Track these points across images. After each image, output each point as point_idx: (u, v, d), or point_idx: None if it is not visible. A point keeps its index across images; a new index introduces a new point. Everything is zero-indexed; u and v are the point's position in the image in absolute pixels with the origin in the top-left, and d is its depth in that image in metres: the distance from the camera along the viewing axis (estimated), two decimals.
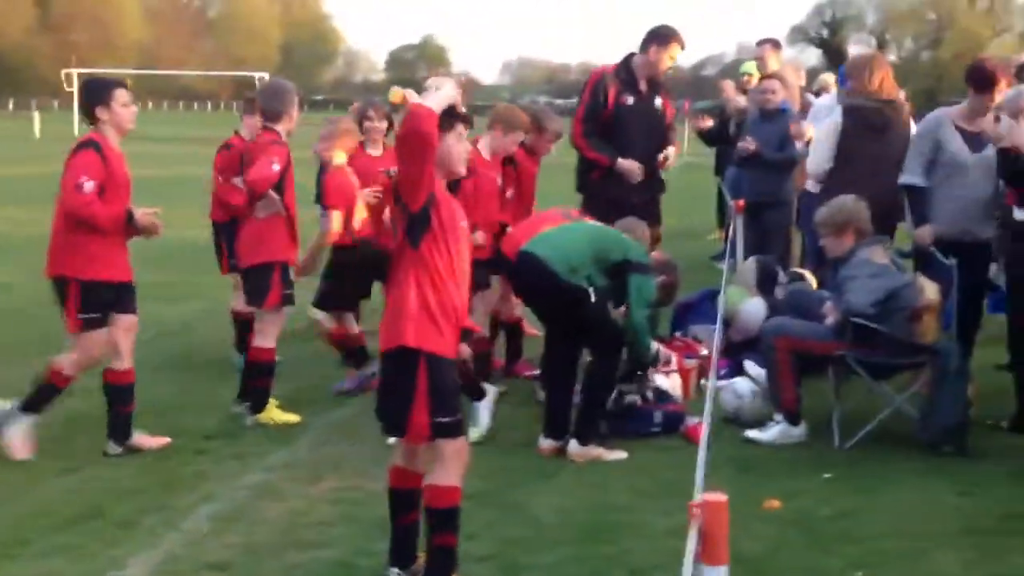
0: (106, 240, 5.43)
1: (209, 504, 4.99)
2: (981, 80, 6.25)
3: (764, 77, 8.98)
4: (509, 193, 6.83)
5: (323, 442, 5.93)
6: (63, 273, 5.45)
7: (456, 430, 4.01)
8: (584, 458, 5.63)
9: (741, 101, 10.25)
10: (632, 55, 7.56)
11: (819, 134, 7.29)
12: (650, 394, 6.17)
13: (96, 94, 5.54)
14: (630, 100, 7.44)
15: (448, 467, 4.00)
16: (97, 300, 5.46)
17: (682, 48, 7.52)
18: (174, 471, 5.40)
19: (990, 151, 6.15)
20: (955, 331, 6.10)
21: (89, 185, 5.30)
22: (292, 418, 6.21)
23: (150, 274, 10.93)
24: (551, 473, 5.45)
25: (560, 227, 5.82)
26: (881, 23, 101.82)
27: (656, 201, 7.72)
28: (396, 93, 5.13)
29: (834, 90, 7.97)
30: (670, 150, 7.64)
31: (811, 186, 7.61)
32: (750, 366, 6.47)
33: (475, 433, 5.67)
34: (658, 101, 7.58)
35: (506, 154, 6.72)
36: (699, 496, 2.66)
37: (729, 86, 11.23)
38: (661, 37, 7.44)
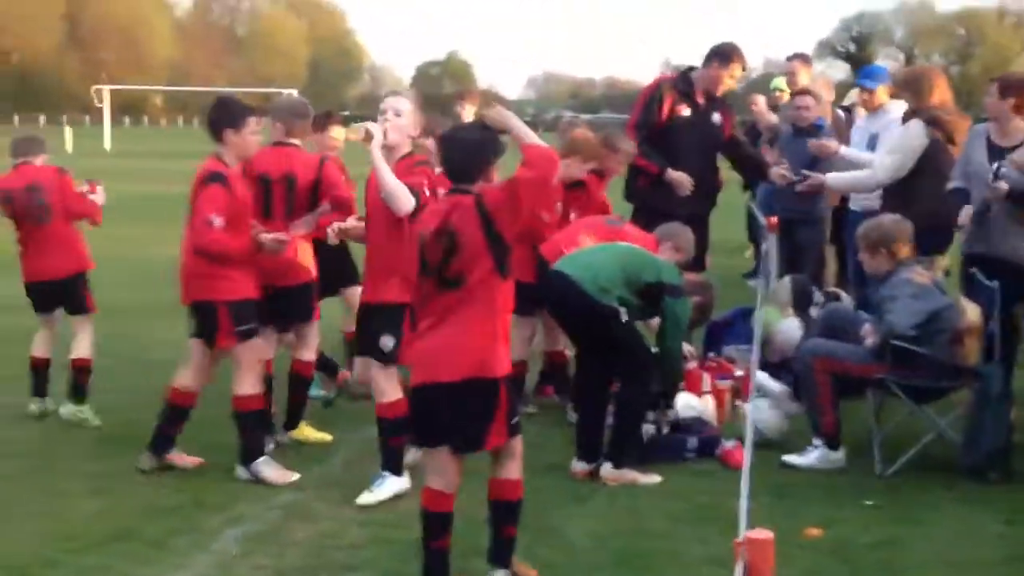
0: (240, 263, 5.51)
1: (240, 525, 4.94)
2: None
3: (797, 92, 8.88)
4: (572, 216, 6.74)
5: (356, 461, 5.86)
6: (209, 298, 5.47)
7: (520, 427, 4.23)
8: (618, 481, 5.54)
9: (772, 118, 10.15)
10: (692, 68, 7.53)
11: (894, 147, 6.94)
12: (666, 428, 6.02)
13: (231, 116, 5.54)
14: (686, 112, 7.40)
15: (518, 463, 4.23)
16: (247, 314, 5.53)
17: (743, 68, 7.52)
18: (206, 490, 5.35)
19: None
20: (997, 354, 5.97)
21: (218, 221, 5.32)
22: (325, 437, 6.16)
23: (175, 293, 10.99)
24: (584, 497, 5.37)
25: (594, 247, 5.79)
26: (909, 38, 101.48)
27: (704, 221, 7.58)
28: (355, 130, 5.17)
29: (892, 104, 7.71)
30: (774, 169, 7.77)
31: (854, 203, 7.52)
32: (762, 379, 6.33)
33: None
34: (716, 116, 7.53)
35: (573, 180, 6.66)
36: (743, 531, 2.58)
37: (761, 101, 11.13)
38: (723, 55, 7.42)
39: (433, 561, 4.16)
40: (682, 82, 7.49)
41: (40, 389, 6.73)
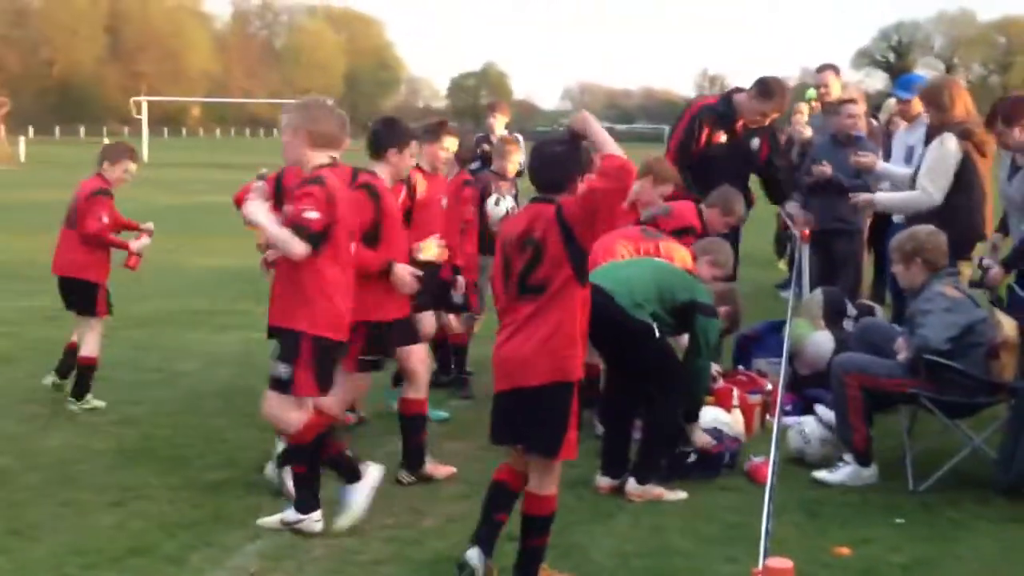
0: (381, 281, 5.31)
1: (259, 541, 4.87)
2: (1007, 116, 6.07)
3: (844, 102, 8.72)
4: None
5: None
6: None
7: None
8: (643, 498, 5.44)
9: (807, 132, 10.05)
10: (737, 90, 7.48)
11: (937, 168, 6.73)
12: (691, 453, 5.83)
13: (397, 136, 5.51)
14: (723, 138, 7.49)
15: (554, 478, 4.31)
16: (381, 342, 5.35)
17: (780, 113, 7.57)
18: (225, 505, 5.29)
19: (1016, 183, 6.04)
20: None
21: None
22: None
23: (206, 302, 11.04)
24: (608, 513, 5.27)
25: (630, 261, 5.76)
26: (949, 47, 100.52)
27: (736, 233, 7.53)
28: None
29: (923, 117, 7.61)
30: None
31: (897, 217, 7.39)
32: (822, 410, 6.18)
33: (346, 520, 5.04)
34: (755, 141, 7.61)
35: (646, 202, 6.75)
36: (762, 558, 2.49)
37: (804, 112, 11.08)
38: (766, 92, 7.42)
39: (489, 531, 4.38)
40: (723, 105, 7.52)
41: (61, 370, 7.27)
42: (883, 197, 7.29)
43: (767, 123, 7.67)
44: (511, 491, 4.41)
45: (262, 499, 5.39)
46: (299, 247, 4.68)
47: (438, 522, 5.12)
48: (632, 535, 4.97)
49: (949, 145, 6.68)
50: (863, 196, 7.42)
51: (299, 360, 4.78)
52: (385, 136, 5.52)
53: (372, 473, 5.11)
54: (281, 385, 4.86)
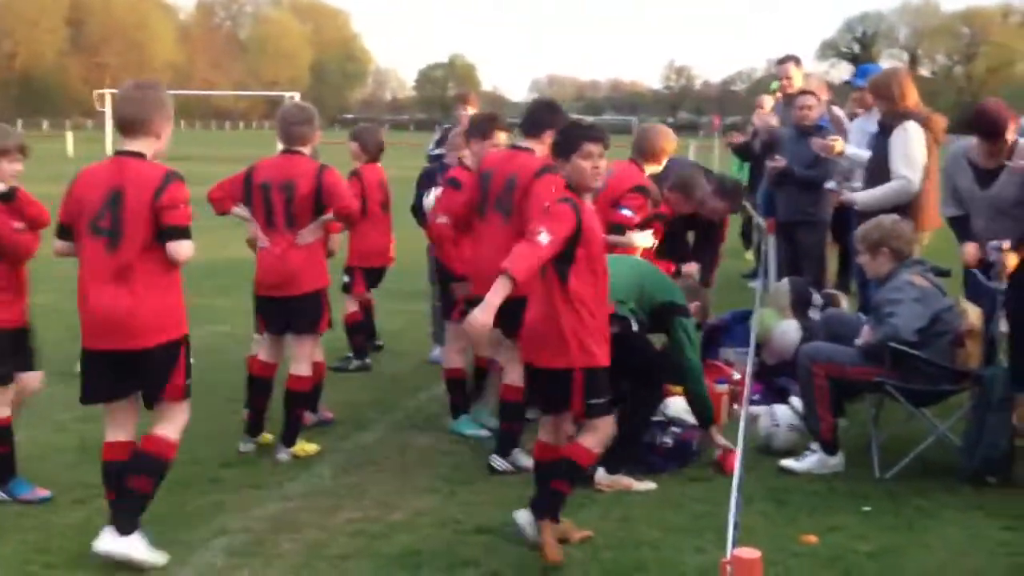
0: None
1: (224, 537, 4.83)
2: (990, 131, 6.01)
3: (799, 93, 8.78)
4: None
5: (344, 470, 5.77)
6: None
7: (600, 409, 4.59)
8: (612, 488, 5.44)
9: (772, 120, 10.07)
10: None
11: (911, 155, 6.83)
12: (668, 439, 5.87)
13: (558, 123, 5.39)
14: None
15: (597, 435, 4.62)
16: None
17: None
18: (189, 502, 5.24)
19: (996, 189, 6.00)
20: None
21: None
22: (311, 448, 6.04)
23: None
24: (577, 505, 5.23)
25: (613, 257, 5.70)
26: (913, 38, 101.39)
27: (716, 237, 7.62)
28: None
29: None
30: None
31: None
32: (796, 402, 6.21)
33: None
34: None
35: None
36: (731, 548, 2.48)
37: (767, 104, 11.10)
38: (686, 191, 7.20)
39: (545, 497, 4.60)
40: None
41: None
42: (864, 196, 7.10)
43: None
44: (550, 461, 4.72)
45: (226, 495, 5.35)
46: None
47: (407, 516, 5.09)
48: (601, 527, 4.96)
49: (913, 132, 6.75)
50: (844, 196, 7.42)
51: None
52: (548, 119, 5.72)
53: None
54: None
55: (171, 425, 4.60)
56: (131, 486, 4.48)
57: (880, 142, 7.05)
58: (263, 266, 5.94)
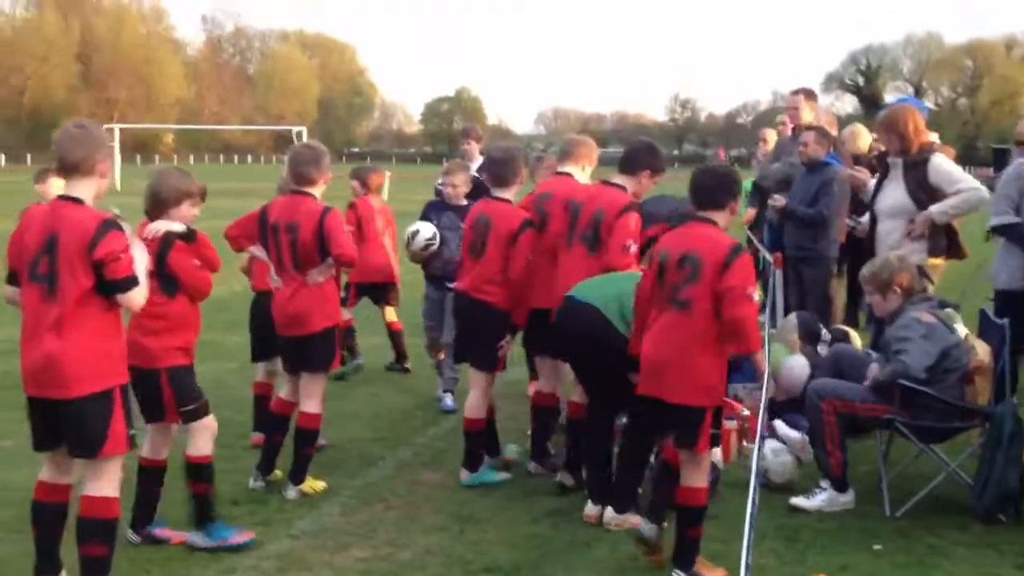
0: None
1: (233, 575, 4.81)
2: None
3: (806, 128, 8.78)
4: None
5: (352, 509, 5.75)
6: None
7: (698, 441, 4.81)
8: (621, 527, 5.40)
9: (767, 150, 10.09)
10: None
11: (959, 176, 6.93)
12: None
13: (656, 162, 6.07)
14: None
15: (699, 474, 4.80)
16: None
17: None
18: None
19: None
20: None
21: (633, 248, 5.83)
22: (319, 485, 6.03)
23: None
24: (586, 543, 5.23)
25: (608, 278, 5.69)
26: (917, 70, 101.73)
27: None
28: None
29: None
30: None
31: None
32: (779, 425, 6.24)
33: None
34: None
35: None
36: None
37: (770, 136, 11.07)
38: None
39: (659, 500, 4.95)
40: None
41: None
42: (938, 209, 6.84)
43: None
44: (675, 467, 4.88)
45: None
46: None
47: (416, 554, 5.07)
48: (610, 565, 4.94)
49: (945, 159, 7.02)
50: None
51: None
52: (645, 160, 6.02)
53: None
54: None
55: (107, 482, 4.37)
56: (87, 554, 4.36)
57: (882, 177, 7.13)
58: (276, 307, 5.97)
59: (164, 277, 4.99)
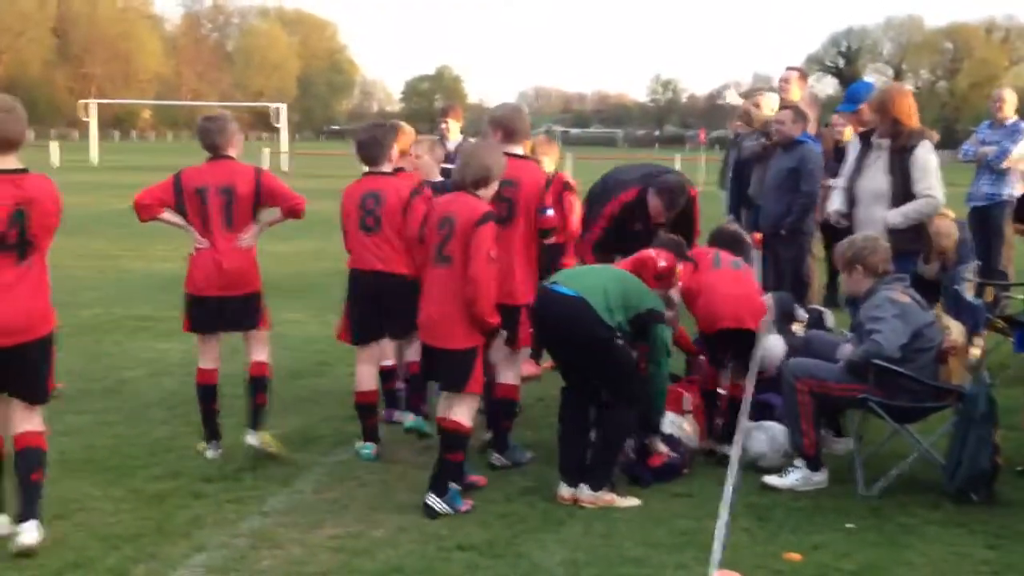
0: None
1: (203, 553, 4.77)
2: None
3: (783, 107, 8.78)
4: None
5: (325, 486, 5.72)
6: None
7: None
8: (595, 504, 5.40)
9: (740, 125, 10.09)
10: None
11: (930, 167, 6.91)
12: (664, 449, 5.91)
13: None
14: (638, 226, 7.26)
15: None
16: None
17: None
18: (169, 516, 5.18)
19: None
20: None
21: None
22: (277, 444, 6.13)
23: (150, 308, 10.85)
24: (559, 521, 5.22)
25: (589, 268, 5.69)
26: (897, 53, 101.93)
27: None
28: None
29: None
30: None
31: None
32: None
33: None
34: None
35: None
36: (713, 572, 2.46)
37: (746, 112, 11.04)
38: (670, 205, 7.13)
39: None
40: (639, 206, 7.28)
41: None
42: (894, 214, 6.87)
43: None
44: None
45: (207, 510, 5.29)
46: None
47: (389, 532, 5.05)
48: (583, 543, 4.93)
49: (931, 150, 6.90)
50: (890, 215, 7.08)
51: None
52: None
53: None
54: None
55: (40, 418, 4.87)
56: (37, 479, 4.75)
57: (862, 156, 7.09)
58: (203, 268, 6.01)
59: None
